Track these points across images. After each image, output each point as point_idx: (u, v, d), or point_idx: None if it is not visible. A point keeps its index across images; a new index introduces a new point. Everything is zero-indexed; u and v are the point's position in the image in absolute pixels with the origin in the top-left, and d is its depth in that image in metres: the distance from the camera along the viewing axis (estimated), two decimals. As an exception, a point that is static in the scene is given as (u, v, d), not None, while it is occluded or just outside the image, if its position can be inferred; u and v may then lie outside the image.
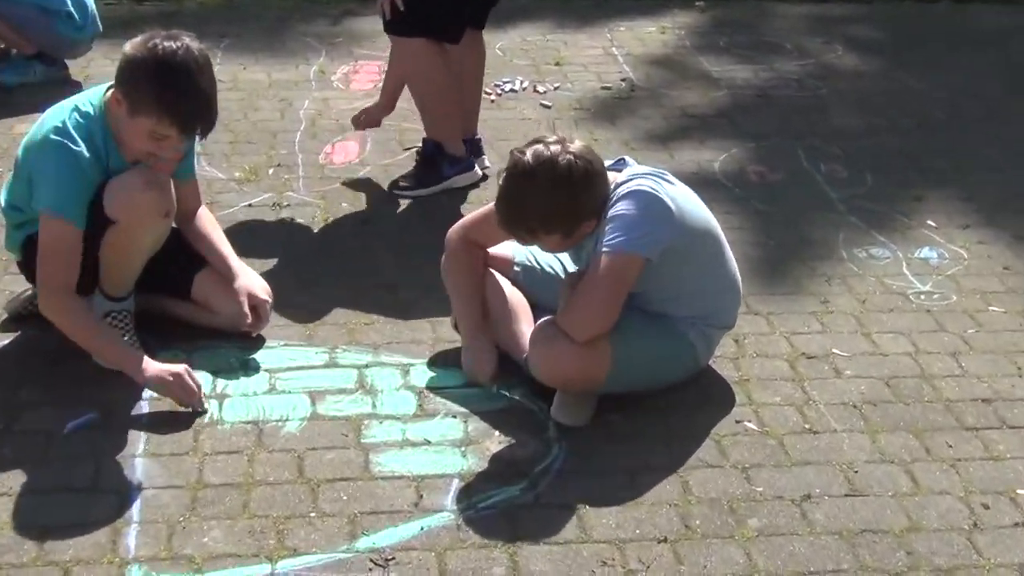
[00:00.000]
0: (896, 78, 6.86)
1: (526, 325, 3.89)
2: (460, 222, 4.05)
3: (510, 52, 7.07)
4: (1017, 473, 3.53)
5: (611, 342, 3.60)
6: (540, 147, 3.53)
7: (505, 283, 3.98)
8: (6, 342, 4.02)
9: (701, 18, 7.91)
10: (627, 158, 3.76)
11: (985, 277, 4.67)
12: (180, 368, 3.67)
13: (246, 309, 3.95)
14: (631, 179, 3.61)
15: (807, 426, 3.71)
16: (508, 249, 4.03)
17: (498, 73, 6.63)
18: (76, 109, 3.72)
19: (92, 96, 3.77)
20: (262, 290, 4.03)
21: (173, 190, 3.83)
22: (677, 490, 3.41)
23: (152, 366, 3.67)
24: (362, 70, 6.75)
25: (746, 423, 3.71)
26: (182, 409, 3.67)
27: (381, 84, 5.63)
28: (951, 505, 3.39)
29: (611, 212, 3.56)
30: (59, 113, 3.73)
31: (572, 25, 7.64)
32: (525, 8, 7.82)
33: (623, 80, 6.71)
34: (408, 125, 5.92)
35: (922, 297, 4.50)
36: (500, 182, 3.61)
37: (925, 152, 5.85)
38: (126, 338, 3.87)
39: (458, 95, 5.23)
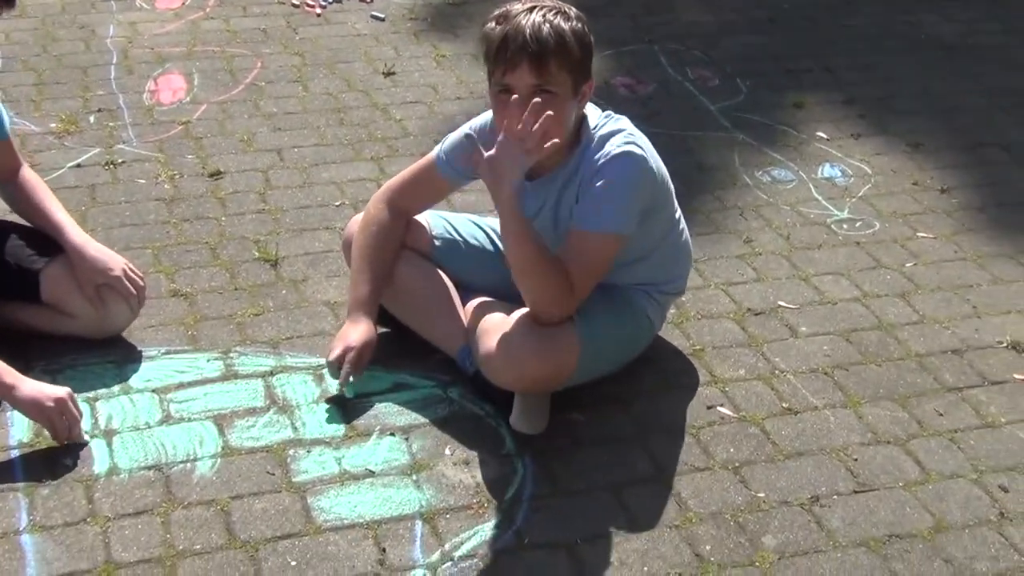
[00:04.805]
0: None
1: (455, 312, 3.18)
2: (386, 185, 3.26)
3: (319, -47, 6.13)
4: (1020, 443, 3.05)
5: (577, 329, 2.93)
6: None
7: (424, 262, 3.23)
8: None
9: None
10: None
11: (898, 196, 4.17)
12: (62, 391, 2.83)
13: (90, 293, 3.14)
14: (615, 132, 2.93)
15: (785, 405, 3.14)
16: (423, 220, 3.28)
17: (313, -21, 5.74)
18: None
19: None
20: (115, 264, 3.17)
21: None
22: (672, 507, 2.80)
23: (27, 386, 2.83)
24: (163, -18, 5.74)
25: (719, 408, 3.12)
26: (60, 454, 2.84)
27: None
28: (968, 492, 2.88)
29: (599, 180, 2.86)
30: None
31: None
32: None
33: (450, -19, 5.89)
34: (233, 50, 5.04)
35: (844, 227, 3.97)
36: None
37: (788, 50, 5.29)
38: None
39: None
